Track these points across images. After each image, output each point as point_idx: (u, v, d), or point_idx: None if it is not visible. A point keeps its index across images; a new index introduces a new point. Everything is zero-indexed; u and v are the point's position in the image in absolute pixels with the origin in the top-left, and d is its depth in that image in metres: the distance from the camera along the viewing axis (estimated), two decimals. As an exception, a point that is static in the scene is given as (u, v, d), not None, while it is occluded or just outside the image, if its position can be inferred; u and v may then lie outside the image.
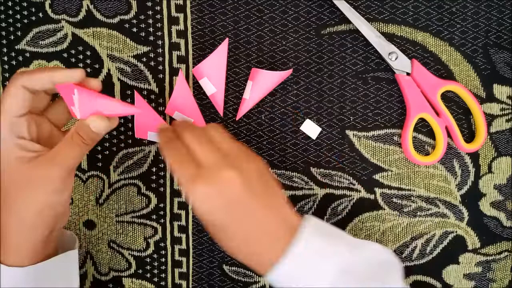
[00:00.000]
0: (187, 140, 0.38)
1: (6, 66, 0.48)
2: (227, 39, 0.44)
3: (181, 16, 0.47)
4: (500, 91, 0.46)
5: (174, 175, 0.35)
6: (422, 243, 0.48)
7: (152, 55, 0.47)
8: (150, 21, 0.47)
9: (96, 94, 0.38)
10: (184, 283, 0.50)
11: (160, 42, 0.47)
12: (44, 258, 0.39)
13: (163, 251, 0.49)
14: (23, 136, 0.37)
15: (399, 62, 0.45)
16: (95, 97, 0.37)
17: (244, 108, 0.46)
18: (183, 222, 0.49)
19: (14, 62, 0.48)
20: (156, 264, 0.50)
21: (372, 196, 0.47)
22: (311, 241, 0.35)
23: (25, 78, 0.37)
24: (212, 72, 0.45)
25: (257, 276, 0.49)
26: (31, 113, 0.38)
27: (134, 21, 0.47)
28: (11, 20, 0.48)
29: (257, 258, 0.36)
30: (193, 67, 0.46)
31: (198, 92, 0.47)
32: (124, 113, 0.38)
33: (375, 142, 0.47)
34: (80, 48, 0.48)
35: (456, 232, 0.47)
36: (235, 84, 0.47)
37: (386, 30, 0.46)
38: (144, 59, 0.47)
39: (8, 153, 0.37)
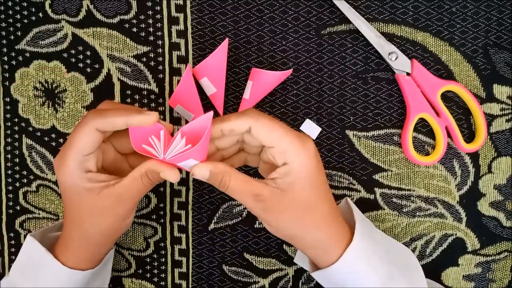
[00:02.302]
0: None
1: (6, 66, 0.48)
2: (227, 39, 0.44)
3: (181, 16, 0.47)
4: (500, 91, 0.46)
5: (280, 137, 0.36)
6: (421, 245, 0.48)
7: (152, 55, 0.47)
8: (150, 21, 0.47)
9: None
10: (184, 283, 0.50)
11: (160, 42, 0.47)
12: (98, 263, 0.43)
13: (163, 251, 0.49)
14: (91, 170, 0.38)
15: (399, 62, 0.45)
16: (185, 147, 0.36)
17: (244, 108, 0.46)
18: (183, 222, 0.49)
19: (14, 62, 0.48)
20: (156, 264, 0.50)
21: (372, 196, 0.47)
22: (363, 242, 0.38)
23: (99, 121, 0.37)
24: (212, 72, 0.45)
25: (257, 276, 0.49)
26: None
27: (134, 21, 0.47)
28: (11, 20, 0.48)
29: (322, 244, 0.38)
30: (193, 67, 0.46)
31: (198, 92, 0.47)
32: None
33: (375, 142, 0.47)
34: (80, 48, 0.48)
35: (456, 234, 0.47)
36: (235, 84, 0.47)
37: (386, 30, 0.46)
38: (144, 59, 0.47)
39: (77, 185, 0.38)
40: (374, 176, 0.47)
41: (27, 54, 0.48)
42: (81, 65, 0.48)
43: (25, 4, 0.48)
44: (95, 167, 0.38)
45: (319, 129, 0.47)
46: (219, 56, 0.44)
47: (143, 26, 0.47)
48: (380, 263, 0.38)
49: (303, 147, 0.36)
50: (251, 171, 0.47)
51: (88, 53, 0.48)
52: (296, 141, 0.36)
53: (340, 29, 0.46)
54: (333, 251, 0.38)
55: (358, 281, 0.38)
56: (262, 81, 0.45)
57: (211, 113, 0.36)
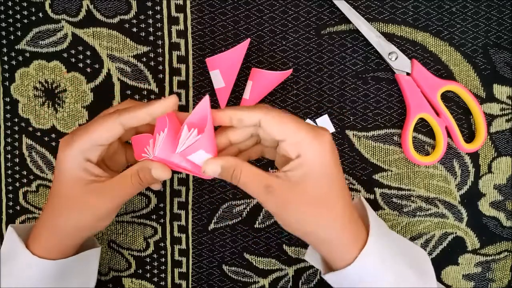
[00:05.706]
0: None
1: (6, 66, 0.48)
2: (248, 39, 0.44)
3: (181, 16, 0.47)
4: (500, 91, 0.46)
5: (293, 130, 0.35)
6: (421, 244, 0.48)
7: (152, 55, 0.47)
8: (150, 21, 0.47)
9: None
10: (183, 283, 0.50)
11: (160, 42, 0.47)
12: (70, 255, 0.41)
13: (163, 251, 0.49)
14: (90, 160, 0.38)
15: (399, 62, 0.45)
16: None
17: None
18: (183, 222, 0.49)
19: (14, 62, 0.48)
20: (156, 264, 0.50)
21: (372, 196, 0.47)
22: (378, 242, 0.37)
23: (126, 117, 0.36)
24: (226, 67, 0.44)
25: (257, 276, 0.49)
26: None
27: (134, 21, 0.47)
28: (11, 20, 0.48)
29: (339, 245, 0.37)
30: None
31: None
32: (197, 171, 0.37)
33: (375, 142, 0.47)
34: (80, 48, 0.48)
35: (456, 233, 0.47)
36: (235, 84, 0.47)
37: (386, 30, 0.46)
38: (144, 59, 0.47)
39: (71, 169, 0.37)
40: (374, 176, 0.47)
41: (27, 54, 0.48)
42: (81, 65, 0.48)
43: (25, 4, 0.48)
44: (96, 159, 0.38)
45: (319, 129, 0.47)
46: (237, 53, 0.44)
47: (143, 26, 0.47)
48: (395, 264, 0.37)
49: (317, 140, 0.35)
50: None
51: (88, 53, 0.48)
52: (309, 134, 0.35)
53: (340, 29, 0.46)
54: (348, 250, 0.37)
55: (373, 282, 0.37)
56: (262, 81, 0.45)
57: (207, 97, 0.36)
